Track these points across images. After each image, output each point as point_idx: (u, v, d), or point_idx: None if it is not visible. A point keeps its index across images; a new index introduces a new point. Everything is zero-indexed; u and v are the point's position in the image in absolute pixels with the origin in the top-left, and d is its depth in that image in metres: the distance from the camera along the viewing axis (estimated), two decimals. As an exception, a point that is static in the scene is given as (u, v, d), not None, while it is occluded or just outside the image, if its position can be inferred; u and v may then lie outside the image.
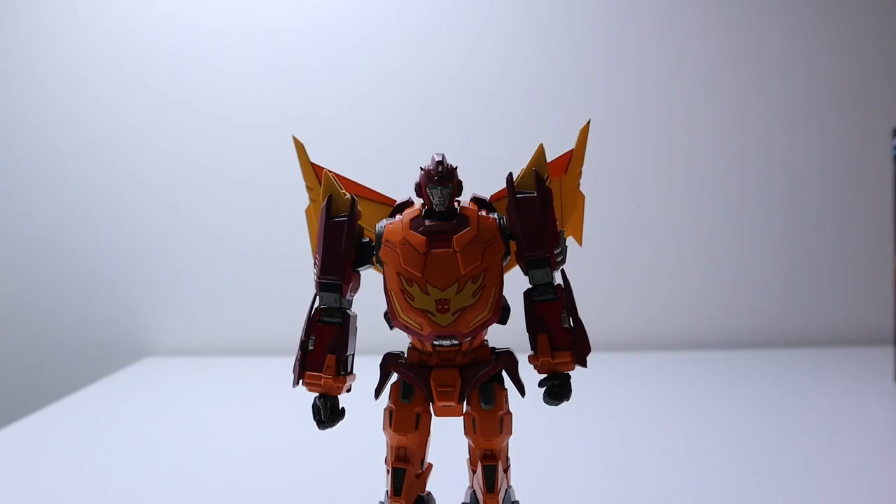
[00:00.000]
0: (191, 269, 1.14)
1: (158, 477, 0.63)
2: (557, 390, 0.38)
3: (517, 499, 0.42)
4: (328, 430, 0.39)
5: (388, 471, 0.40)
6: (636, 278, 1.11)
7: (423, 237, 0.38)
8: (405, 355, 0.41)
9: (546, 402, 0.39)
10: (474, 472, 0.40)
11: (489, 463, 0.39)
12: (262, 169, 1.11)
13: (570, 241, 0.43)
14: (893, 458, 0.65)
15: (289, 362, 0.40)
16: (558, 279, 0.40)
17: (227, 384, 0.97)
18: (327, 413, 0.39)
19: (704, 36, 1.09)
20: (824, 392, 0.84)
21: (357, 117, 1.10)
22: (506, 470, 0.41)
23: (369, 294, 0.43)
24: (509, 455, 0.41)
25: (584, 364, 0.39)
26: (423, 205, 0.39)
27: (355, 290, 0.40)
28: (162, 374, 1.03)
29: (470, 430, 0.40)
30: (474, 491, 0.41)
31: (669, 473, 0.61)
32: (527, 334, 0.39)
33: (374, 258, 0.39)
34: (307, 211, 0.44)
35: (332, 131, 1.09)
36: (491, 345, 0.41)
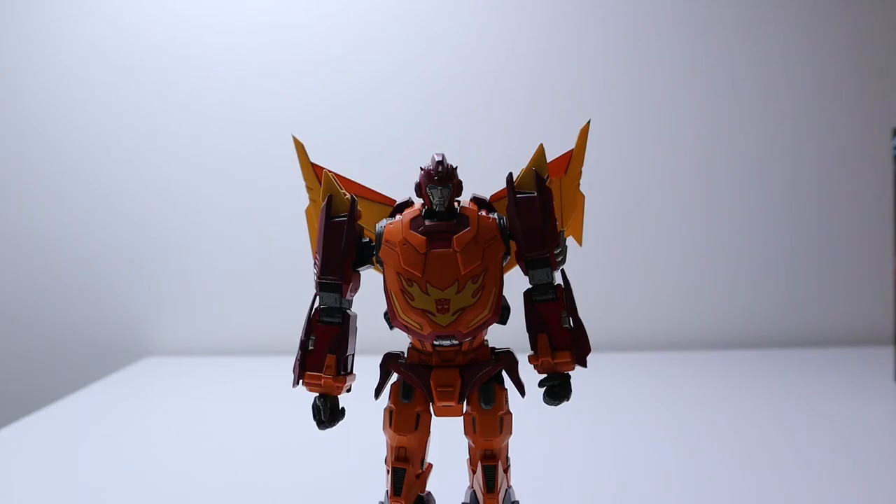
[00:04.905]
0: (191, 269, 1.14)
1: (158, 477, 0.63)
2: (557, 390, 0.38)
3: (517, 499, 0.42)
4: (328, 430, 0.39)
5: (388, 471, 0.40)
6: (636, 278, 1.11)
7: (423, 237, 0.38)
8: (405, 355, 0.41)
9: (546, 402, 0.39)
10: (474, 472, 0.40)
11: (489, 463, 0.39)
12: (262, 169, 1.11)
13: (570, 241, 0.43)
14: (893, 458, 0.65)
15: (289, 362, 0.40)
16: (558, 279, 0.40)
17: (227, 384, 0.97)
18: (327, 413, 0.39)
19: (704, 36, 1.09)
20: (824, 392, 0.84)
21: (357, 117, 1.10)
22: (506, 470, 0.41)
23: (369, 294, 0.43)
24: (509, 455, 0.41)
25: (584, 364, 0.39)
26: (423, 205, 0.39)
27: (355, 290, 0.40)
28: (162, 374, 1.03)
29: (470, 430, 0.40)
30: (474, 491, 0.41)
31: (669, 473, 0.61)
32: (527, 334, 0.39)
33: (374, 258, 0.39)
34: (307, 211, 0.44)
35: (332, 131, 1.09)
36: (491, 345, 0.41)
